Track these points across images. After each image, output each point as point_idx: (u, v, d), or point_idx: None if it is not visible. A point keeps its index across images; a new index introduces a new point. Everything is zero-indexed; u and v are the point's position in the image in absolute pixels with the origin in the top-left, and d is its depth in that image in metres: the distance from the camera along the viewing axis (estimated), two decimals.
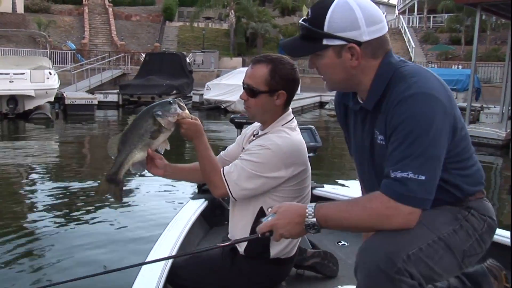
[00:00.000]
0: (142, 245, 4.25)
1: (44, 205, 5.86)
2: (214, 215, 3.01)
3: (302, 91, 17.19)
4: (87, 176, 7.94)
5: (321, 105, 21.30)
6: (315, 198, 2.81)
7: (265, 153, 1.82)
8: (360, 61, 1.42)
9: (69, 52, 28.43)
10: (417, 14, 40.28)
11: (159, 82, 18.71)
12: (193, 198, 3.03)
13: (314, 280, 2.32)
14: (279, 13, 40.53)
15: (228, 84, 17.42)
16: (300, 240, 2.10)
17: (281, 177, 1.85)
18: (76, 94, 17.40)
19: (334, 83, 1.52)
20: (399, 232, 1.33)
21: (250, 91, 1.90)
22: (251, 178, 1.82)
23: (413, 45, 32.77)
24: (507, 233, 2.24)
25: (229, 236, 2.08)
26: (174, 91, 18.00)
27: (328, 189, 3.21)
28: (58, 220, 5.29)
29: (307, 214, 1.40)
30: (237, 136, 2.26)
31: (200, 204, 2.91)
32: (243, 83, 1.93)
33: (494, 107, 13.10)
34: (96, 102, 16.46)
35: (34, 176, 7.97)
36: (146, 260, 1.92)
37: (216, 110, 17.59)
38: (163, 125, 1.70)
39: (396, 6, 48.28)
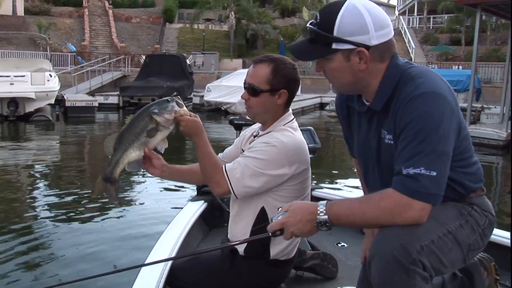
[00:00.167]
0: (145, 242, 4.33)
1: (45, 206, 5.92)
2: (213, 217, 3.01)
3: (303, 92, 17.24)
4: (87, 177, 7.96)
5: (322, 106, 21.27)
6: (314, 199, 2.78)
7: (270, 150, 1.82)
8: (368, 65, 1.46)
9: (69, 54, 28.45)
10: (417, 14, 40.21)
11: (160, 84, 18.73)
12: (192, 200, 3.02)
13: (313, 282, 2.31)
14: (279, 14, 40.55)
15: (229, 86, 17.44)
16: (300, 242, 2.10)
17: (284, 175, 1.85)
18: (77, 96, 17.39)
19: (342, 86, 1.55)
20: (411, 225, 1.36)
21: (252, 90, 1.91)
22: (255, 175, 1.82)
23: (413, 46, 32.70)
24: (507, 234, 2.24)
25: (229, 236, 2.07)
26: (175, 93, 17.99)
27: (327, 191, 3.22)
28: (58, 220, 5.33)
29: (318, 212, 1.42)
30: (236, 138, 2.26)
31: (199, 206, 2.91)
32: (245, 83, 1.94)
33: (495, 107, 13.09)
34: (97, 104, 16.49)
35: (35, 177, 8.00)
36: (146, 262, 1.92)
37: (216, 112, 17.57)
38: (160, 122, 1.68)
39: (396, 7, 48.27)
